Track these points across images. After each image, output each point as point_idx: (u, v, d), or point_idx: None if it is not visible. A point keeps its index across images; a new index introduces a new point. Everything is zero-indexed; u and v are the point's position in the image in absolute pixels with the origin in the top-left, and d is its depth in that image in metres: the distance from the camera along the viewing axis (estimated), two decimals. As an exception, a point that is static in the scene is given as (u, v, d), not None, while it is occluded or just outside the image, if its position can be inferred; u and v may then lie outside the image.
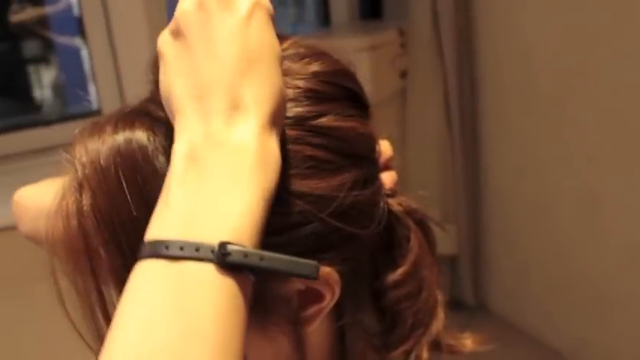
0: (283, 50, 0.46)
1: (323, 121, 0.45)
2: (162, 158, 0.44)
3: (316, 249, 0.44)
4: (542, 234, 2.15)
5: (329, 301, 0.46)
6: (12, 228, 0.59)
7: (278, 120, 0.42)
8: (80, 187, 0.44)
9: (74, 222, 0.44)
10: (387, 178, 0.51)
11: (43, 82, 2.72)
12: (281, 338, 0.47)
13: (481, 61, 2.19)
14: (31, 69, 2.79)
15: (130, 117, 0.47)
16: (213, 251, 0.37)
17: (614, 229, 1.91)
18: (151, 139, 0.45)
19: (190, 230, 0.37)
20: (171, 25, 0.43)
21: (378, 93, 2.07)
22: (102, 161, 0.44)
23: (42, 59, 2.76)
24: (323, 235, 0.44)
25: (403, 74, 2.28)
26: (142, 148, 0.45)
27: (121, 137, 0.45)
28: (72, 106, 2.79)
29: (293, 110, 0.45)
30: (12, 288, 1.63)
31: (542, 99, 2.01)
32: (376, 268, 0.51)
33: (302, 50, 0.49)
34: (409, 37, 2.26)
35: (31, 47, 2.78)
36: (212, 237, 0.37)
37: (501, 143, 2.22)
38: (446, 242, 2.31)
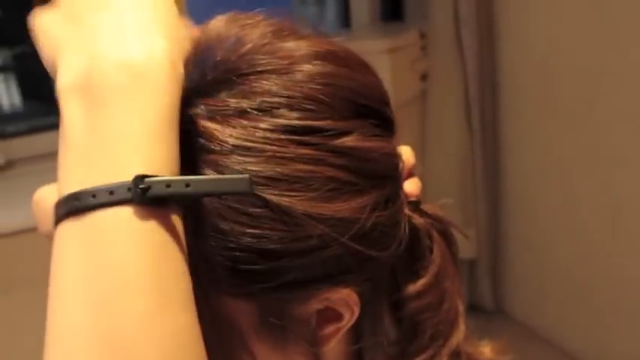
0: (316, 57, 0.44)
1: (346, 140, 0.43)
2: None
3: (336, 272, 0.43)
4: (563, 238, 2.13)
5: (348, 320, 0.45)
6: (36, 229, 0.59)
7: (164, 22, 0.39)
8: None
9: None
10: (411, 185, 0.50)
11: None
12: (298, 357, 0.46)
13: (502, 64, 2.18)
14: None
15: None
16: (129, 189, 0.33)
17: (637, 234, 1.88)
18: None
19: (97, 172, 0.34)
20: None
21: (398, 95, 2.06)
22: None
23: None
24: (343, 258, 0.43)
25: (423, 77, 2.27)
26: None
27: None
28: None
29: (315, 125, 0.42)
30: (31, 290, 1.64)
31: (564, 101, 1.99)
32: (397, 278, 0.50)
33: (332, 61, 0.45)
34: (430, 39, 2.25)
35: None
36: (123, 173, 0.33)
37: (523, 146, 2.20)
38: (465, 246, 2.29)
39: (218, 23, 0.47)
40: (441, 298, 0.51)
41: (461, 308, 0.53)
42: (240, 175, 0.38)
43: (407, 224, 0.48)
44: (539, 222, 2.21)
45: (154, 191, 0.33)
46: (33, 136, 1.98)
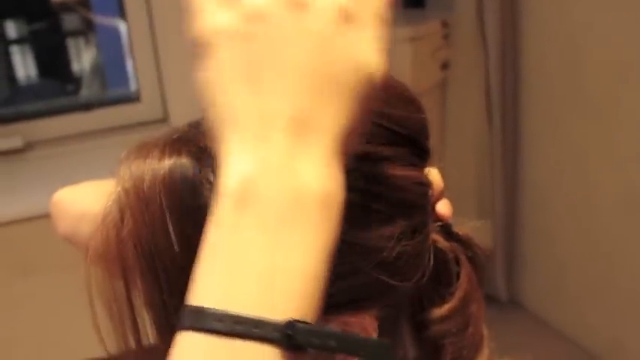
0: None
1: (380, 168, 0.42)
2: (207, 194, 0.41)
3: (358, 298, 0.43)
4: (581, 231, 2.11)
5: None
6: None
7: (343, 159, 0.36)
8: (122, 212, 0.43)
9: (113, 247, 0.43)
10: (443, 208, 0.49)
11: (83, 63, 2.75)
12: None
13: (526, 55, 2.15)
14: (71, 44, 2.83)
15: (177, 144, 0.44)
16: (278, 330, 0.31)
17: (656, 230, 1.86)
18: (198, 171, 0.42)
19: (244, 298, 0.31)
20: (242, 10, 0.34)
21: (418, 84, 2.04)
22: (145, 189, 0.42)
23: (81, 34, 2.79)
24: (365, 286, 0.42)
25: (444, 65, 2.25)
26: (188, 181, 0.42)
27: (166, 165, 0.42)
28: (111, 88, 2.82)
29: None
30: (50, 274, 1.65)
31: (589, 94, 1.97)
32: (422, 301, 0.49)
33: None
34: (452, 28, 2.23)
35: (71, 23, 2.80)
36: (276, 311, 0.31)
37: (543, 138, 2.18)
38: (480, 236, 2.28)
39: None
40: (465, 323, 0.50)
41: (485, 332, 0.52)
42: (382, 341, 0.37)
43: (432, 252, 0.47)
44: (556, 214, 2.20)
45: (302, 339, 0.31)
46: (52, 118, 1.98)
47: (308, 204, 0.33)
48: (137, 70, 2.03)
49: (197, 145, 0.43)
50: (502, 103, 2.18)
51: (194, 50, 0.36)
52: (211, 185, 0.41)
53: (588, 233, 2.08)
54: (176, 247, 0.40)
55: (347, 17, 0.35)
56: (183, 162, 0.43)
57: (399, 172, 0.44)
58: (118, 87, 2.58)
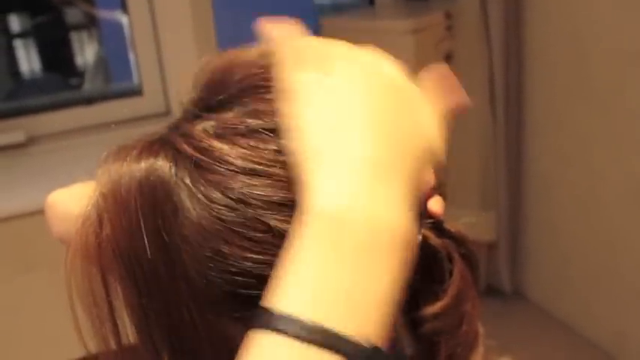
0: None
1: None
2: (183, 195, 0.41)
3: None
4: (586, 223, 2.10)
5: None
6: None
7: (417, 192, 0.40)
8: (100, 217, 0.43)
9: (92, 251, 0.43)
10: (434, 205, 0.49)
11: (86, 57, 2.74)
12: None
13: (529, 45, 2.14)
14: (74, 38, 2.83)
15: (155, 146, 0.44)
16: (363, 352, 0.34)
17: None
18: (173, 172, 0.42)
19: (331, 313, 0.34)
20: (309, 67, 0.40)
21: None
22: (123, 192, 0.42)
23: (84, 28, 2.79)
24: None
25: (448, 57, 2.24)
26: (163, 183, 0.42)
27: (142, 167, 0.42)
28: (115, 82, 2.82)
29: None
30: (51, 269, 1.65)
31: (594, 84, 1.96)
32: (416, 298, 0.49)
33: None
34: (455, 19, 2.22)
35: (74, 17, 2.80)
36: (361, 332, 0.34)
37: (547, 128, 2.17)
38: (484, 228, 2.29)
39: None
40: (459, 321, 0.50)
41: (481, 331, 0.51)
42: None
43: (420, 247, 0.47)
44: (561, 205, 2.19)
45: None
46: (55, 113, 1.98)
47: (388, 239, 0.36)
48: (139, 64, 2.03)
49: (174, 147, 0.43)
50: (506, 94, 2.17)
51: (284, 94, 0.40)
52: (187, 187, 0.41)
53: (592, 224, 2.08)
54: (149, 252, 0.41)
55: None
56: (160, 164, 0.43)
57: None
58: (121, 81, 2.58)
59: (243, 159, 0.41)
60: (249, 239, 0.40)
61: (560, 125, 2.12)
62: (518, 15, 2.12)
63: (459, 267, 0.50)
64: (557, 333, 2.20)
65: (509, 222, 2.32)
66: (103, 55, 2.69)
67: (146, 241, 0.41)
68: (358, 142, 0.37)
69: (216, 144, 0.41)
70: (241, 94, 0.43)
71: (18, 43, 2.88)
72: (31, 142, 1.89)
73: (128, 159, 0.43)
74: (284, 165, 0.40)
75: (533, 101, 2.18)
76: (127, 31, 2.18)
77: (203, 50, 1.82)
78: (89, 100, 2.05)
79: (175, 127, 0.45)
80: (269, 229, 0.40)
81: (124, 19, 2.20)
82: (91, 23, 2.76)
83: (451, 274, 0.49)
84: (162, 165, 0.43)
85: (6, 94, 2.79)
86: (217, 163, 0.41)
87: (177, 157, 0.43)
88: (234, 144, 0.41)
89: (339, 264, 0.35)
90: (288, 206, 0.40)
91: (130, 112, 1.98)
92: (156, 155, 0.43)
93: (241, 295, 0.40)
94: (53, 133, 1.92)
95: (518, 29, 2.14)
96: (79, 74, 2.76)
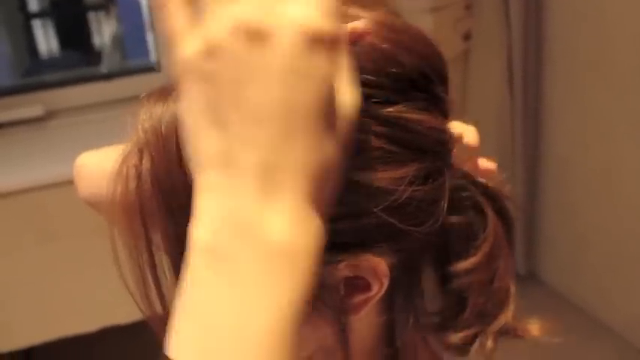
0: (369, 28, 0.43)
1: (390, 110, 0.42)
2: None
3: (367, 240, 0.43)
4: (603, 206, 2.09)
5: (376, 292, 0.44)
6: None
7: (321, 200, 0.36)
8: (141, 151, 0.44)
9: (132, 185, 0.44)
10: (485, 163, 0.49)
11: (104, 33, 2.75)
12: (324, 327, 0.45)
13: (549, 24, 2.12)
14: (92, 17, 2.83)
15: None
16: None
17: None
18: None
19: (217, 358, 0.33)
20: (200, 47, 0.33)
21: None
22: (163, 128, 0.43)
23: (102, 6, 2.79)
24: (374, 228, 0.42)
25: (466, 36, 2.22)
26: None
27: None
28: (131, 59, 2.82)
29: (362, 93, 0.40)
30: (70, 240, 1.67)
31: (614, 66, 1.93)
32: (447, 253, 0.49)
33: (386, 32, 0.44)
34: (475, -3, 2.20)
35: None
36: None
37: (566, 110, 2.15)
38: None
39: None
40: (491, 278, 0.49)
41: (512, 289, 0.51)
42: None
43: (447, 202, 0.46)
44: (577, 187, 2.18)
45: None
46: (72, 88, 1.99)
47: (274, 259, 0.33)
48: (157, 41, 2.03)
49: None
50: (524, 74, 2.15)
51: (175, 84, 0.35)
52: None
53: (610, 209, 2.06)
54: (190, 181, 0.40)
55: (310, 44, 0.33)
56: None
57: (409, 115, 0.43)
58: (139, 59, 2.58)
59: None
60: None
61: (579, 106, 2.10)
62: (538, -6, 2.10)
63: (493, 223, 0.49)
64: (572, 316, 2.19)
65: (526, 203, 2.31)
66: (121, 34, 2.69)
67: (185, 171, 0.41)
68: (236, 141, 0.34)
69: None
70: None
71: (36, 23, 2.88)
72: (49, 116, 1.91)
73: (170, 98, 0.44)
74: None
75: (552, 82, 2.16)
76: (144, 9, 2.18)
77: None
78: (107, 77, 2.06)
79: None
80: None
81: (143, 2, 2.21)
82: (108, 2, 2.76)
83: (484, 229, 0.49)
84: None
85: (25, 71, 2.80)
86: None
87: None
88: None
89: (220, 301, 0.33)
90: None
91: (147, 87, 1.98)
92: None
93: None
94: (71, 107, 1.93)
95: (539, 9, 2.12)
96: (97, 53, 2.77)
